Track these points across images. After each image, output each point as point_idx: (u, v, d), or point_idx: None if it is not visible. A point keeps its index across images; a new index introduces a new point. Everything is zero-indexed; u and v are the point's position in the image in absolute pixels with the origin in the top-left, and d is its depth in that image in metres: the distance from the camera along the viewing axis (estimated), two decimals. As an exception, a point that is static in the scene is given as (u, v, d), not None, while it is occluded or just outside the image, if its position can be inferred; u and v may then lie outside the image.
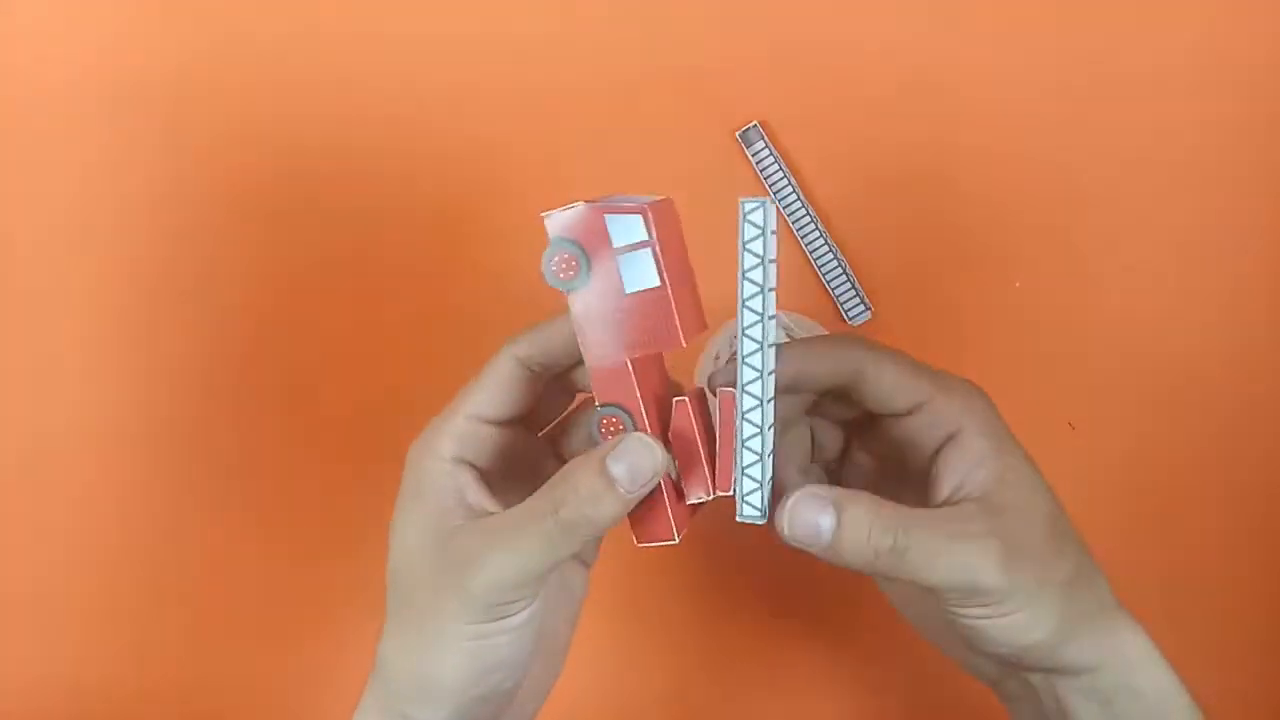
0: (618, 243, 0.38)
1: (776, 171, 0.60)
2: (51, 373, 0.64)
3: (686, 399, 0.40)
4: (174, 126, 0.63)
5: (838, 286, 0.60)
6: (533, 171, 0.61)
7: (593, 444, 0.41)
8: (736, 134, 0.60)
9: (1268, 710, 0.60)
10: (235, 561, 0.63)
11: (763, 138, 0.60)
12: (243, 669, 0.63)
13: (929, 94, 0.59)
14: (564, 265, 0.38)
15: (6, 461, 0.64)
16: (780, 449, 0.42)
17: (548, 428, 0.47)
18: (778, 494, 0.40)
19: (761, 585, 0.61)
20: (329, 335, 0.63)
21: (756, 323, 0.38)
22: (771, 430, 0.40)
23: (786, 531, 0.39)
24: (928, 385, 0.42)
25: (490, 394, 0.42)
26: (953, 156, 0.60)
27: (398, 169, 0.62)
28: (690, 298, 0.40)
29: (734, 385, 0.39)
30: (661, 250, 0.38)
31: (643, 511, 0.40)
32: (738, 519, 0.40)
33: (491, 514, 0.40)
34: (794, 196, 0.60)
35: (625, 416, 0.39)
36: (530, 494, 0.40)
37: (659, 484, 0.39)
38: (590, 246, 0.38)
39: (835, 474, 0.47)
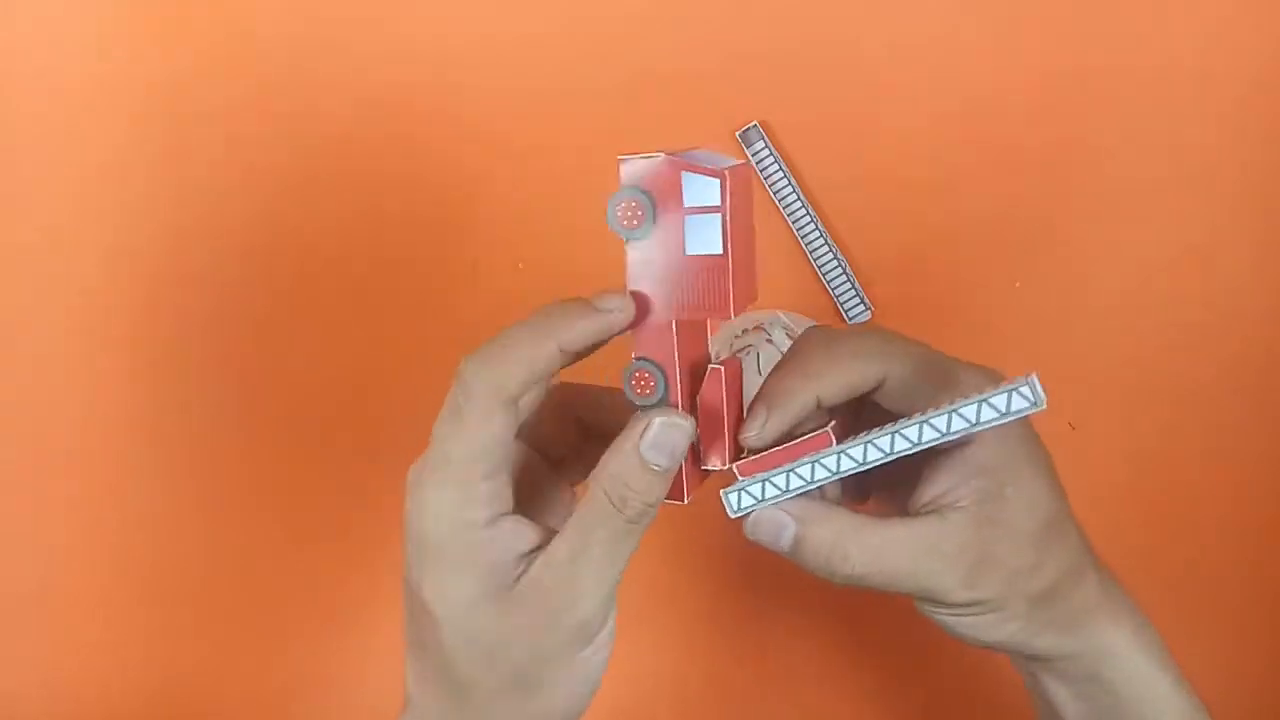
0: (689, 202, 0.37)
1: (776, 171, 0.60)
2: (52, 372, 0.64)
3: (721, 368, 0.40)
4: (175, 127, 0.63)
5: (838, 286, 0.60)
6: (533, 171, 0.61)
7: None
8: (736, 134, 0.60)
9: (1268, 711, 0.60)
10: (236, 561, 0.63)
11: (763, 138, 0.60)
12: (243, 669, 0.63)
13: (929, 94, 0.59)
14: (630, 213, 0.38)
15: (7, 461, 0.64)
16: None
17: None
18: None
19: (761, 583, 0.61)
20: (330, 335, 0.63)
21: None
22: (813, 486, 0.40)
23: (748, 532, 0.40)
24: (944, 398, 0.41)
25: (494, 440, 0.39)
26: (953, 156, 0.60)
27: (398, 169, 0.62)
28: (747, 268, 0.40)
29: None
30: (731, 219, 0.37)
31: None
32: (721, 495, 0.40)
33: (539, 545, 0.39)
34: (794, 196, 0.60)
35: (658, 374, 0.39)
36: (527, 483, 0.40)
37: None
38: (661, 199, 0.38)
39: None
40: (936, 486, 0.40)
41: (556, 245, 0.61)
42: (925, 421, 0.37)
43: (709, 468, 0.41)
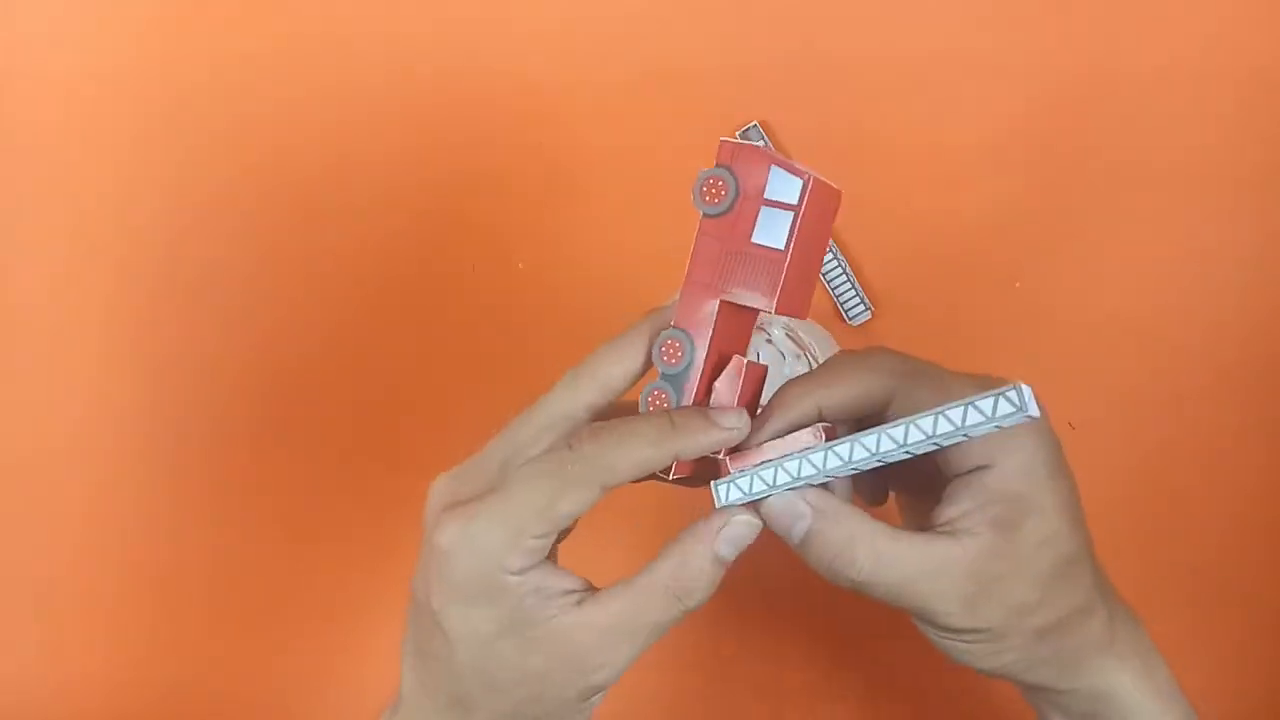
0: (770, 195, 0.39)
1: (776, 171, 0.59)
2: (56, 374, 0.64)
3: (746, 361, 0.41)
4: (176, 128, 0.63)
5: (838, 286, 0.60)
6: (533, 171, 0.61)
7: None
8: (736, 134, 0.60)
9: (1269, 712, 0.60)
10: (237, 562, 0.63)
11: (763, 138, 0.60)
12: (243, 669, 0.63)
13: (929, 94, 0.59)
14: (714, 190, 0.39)
15: (12, 463, 0.64)
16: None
17: None
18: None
19: (762, 587, 0.61)
20: (331, 336, 0.63)
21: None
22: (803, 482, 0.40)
23: (763, 513, 0.40)
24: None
25: (571, 516, 0.39)
26: (953, 156, 0.60)
27: (399, 169, 0.62)
28: (805, 278, 0.41)
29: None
30: (801, 223, 0.39)
31: None
32: (712, 486, 0.40)
33: (569, 590, 0.39)
34: (794, 196, 0.60)
35: (688, 344, 0.40)
36: None
37: None
38: (745, 185, 0.39)
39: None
40: (956, 507, 0.39)
41: (557, 245, 0.61)
42: (912, 423, 0.37)
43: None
